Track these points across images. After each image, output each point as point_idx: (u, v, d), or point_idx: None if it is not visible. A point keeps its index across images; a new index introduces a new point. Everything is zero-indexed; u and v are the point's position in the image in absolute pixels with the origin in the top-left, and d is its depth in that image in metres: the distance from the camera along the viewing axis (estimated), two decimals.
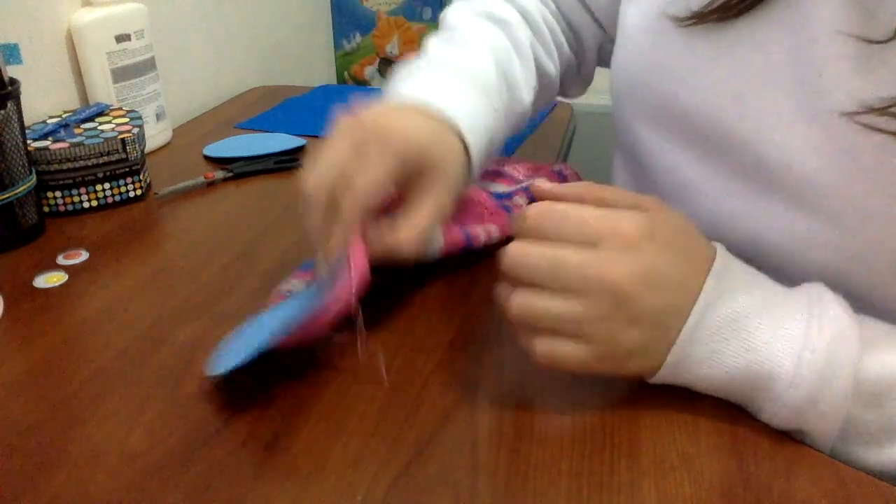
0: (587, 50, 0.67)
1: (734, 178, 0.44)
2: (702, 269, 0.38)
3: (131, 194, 0.68)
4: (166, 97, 0.86)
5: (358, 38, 1.38)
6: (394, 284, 0.53)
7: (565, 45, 0.66)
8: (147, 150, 0.75)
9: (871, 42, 0.37)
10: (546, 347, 0.39)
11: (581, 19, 0.65)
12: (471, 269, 0.55)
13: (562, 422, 0.40)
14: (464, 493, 0.35)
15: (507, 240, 0.40)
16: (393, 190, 0.45)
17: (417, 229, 0.45)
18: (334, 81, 1.42)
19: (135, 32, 0.79)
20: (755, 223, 0.44)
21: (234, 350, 0.43)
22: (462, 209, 0.55)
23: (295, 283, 0.51)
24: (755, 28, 0.43)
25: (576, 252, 0.37)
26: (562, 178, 0.65)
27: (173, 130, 0.88)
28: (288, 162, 0.77)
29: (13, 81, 0.58)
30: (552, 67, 0.63)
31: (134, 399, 0.42)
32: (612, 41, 0.66)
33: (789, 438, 0.39)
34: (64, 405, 0.41)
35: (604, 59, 0.69)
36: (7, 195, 0.58)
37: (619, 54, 0.53)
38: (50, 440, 0.39)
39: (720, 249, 0.40)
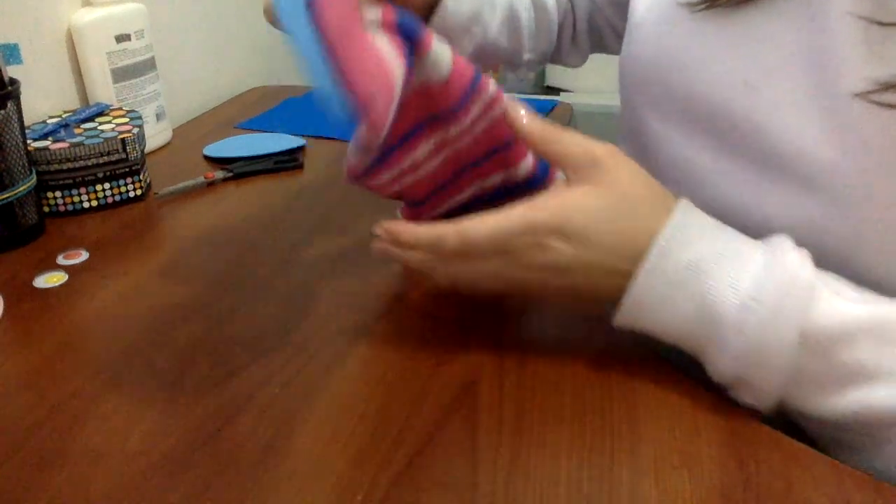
0: (579, 19, 0.70)
1: (745, 165, 0.45)
2: (643, 233, 0.40)
3: (131, 194, 0.68)
4: (166, 97, 0.86)
5: None
6: (393, 283, 0.53)
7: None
8: (147, 150, 0.75)
9: (882, 25, 0.37)
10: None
11: None
12: None
13: (562, 422, 0.40)
14: (464, 493, 0.35)
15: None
16: None
17: None
18: None
19: (135, 32, 0.79)
20: (767, 209, 0.44)
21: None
22: None
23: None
24: (766, 16, 0.43)
25: (491, 264, 0.42)
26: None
27: (173, 130, 0.88)
28: (288, 162, 0.77)
29: (13, 81, 0.58)
30: (550, 2, 0.66)
31: (134, 399, 0.42)
32: (606, 18, 0.69)
33: (789, 438, 0.39)
34: (64, 405, 0.41)
35: (594, 31, 0.72)
36: (7, 195, 0.58)
37: (629, 44, 0.53)
38: (50, 440, 0.39)
39: (683, 202, 0.42)
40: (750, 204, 0.45)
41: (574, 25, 0.71)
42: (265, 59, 1.17)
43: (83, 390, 0.43)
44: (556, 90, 1.57)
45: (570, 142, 0.42)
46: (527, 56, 0.67)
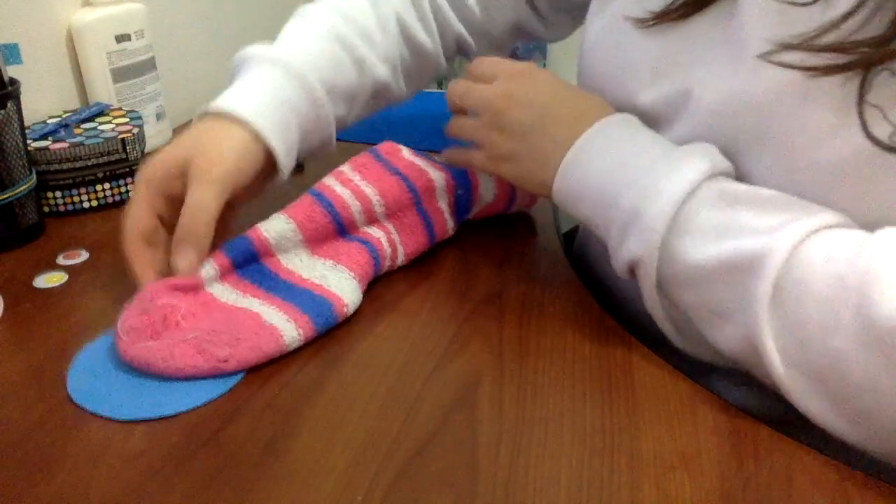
0: (464, 35, 0.70)
1: None
2: (589, 108, 0.49)
3: (131, 194, 0.68)
4: (166, 97, 0.86)
5: None
6: (393, 283, 0.53)
7: (454, 24, 0.69)
8: (147, 150, 0.75)
9: (794, 4, 0.40)
10: (463, 155, 0.56)
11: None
12: (470, 268, 0.55)
13: (562, 422, 0.40)
14: (464, 493, 0.35)
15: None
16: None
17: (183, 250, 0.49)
18: None
19: (135, 32, 0.79)
20: None
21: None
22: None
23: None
24: (704, 22, 0.46)
25: (481, 85, 0.53)
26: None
27: (173, 130, 0.88)
28: None
29: (13, 81, 0.58)
30: (428, 41, 0.67)
31: None
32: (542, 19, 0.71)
33: (789, 438, 0.39)
34: (64, 405, 0.41)
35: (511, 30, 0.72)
36: (7, 195, 0.58)
37: (584, 61, 0.56)
38: (50, 440, 0.39)
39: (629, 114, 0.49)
40: None
41: (486, 40, 0.72)
42: None
43: None
44: None
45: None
46: (408, 92, 0.70)
